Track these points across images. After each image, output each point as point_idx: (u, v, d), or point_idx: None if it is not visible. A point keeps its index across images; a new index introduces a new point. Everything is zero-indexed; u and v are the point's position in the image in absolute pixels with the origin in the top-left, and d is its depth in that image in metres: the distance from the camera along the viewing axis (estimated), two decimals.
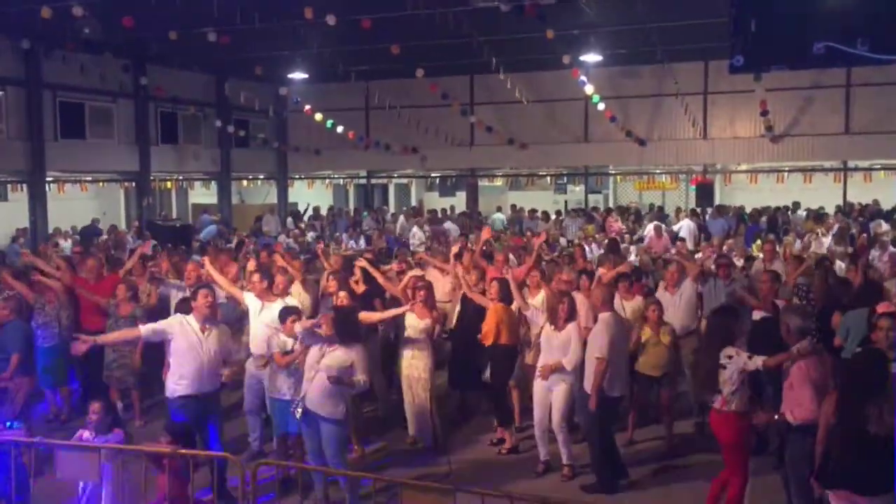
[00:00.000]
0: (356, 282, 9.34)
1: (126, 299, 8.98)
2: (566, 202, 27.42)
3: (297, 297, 9.02)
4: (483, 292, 8.90)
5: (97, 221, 21.75)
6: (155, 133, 23.06)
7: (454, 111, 22.65)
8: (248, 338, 8.03)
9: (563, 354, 7.37)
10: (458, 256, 9.91)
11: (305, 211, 25.38)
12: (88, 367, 9.10)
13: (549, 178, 27.70)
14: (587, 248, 15.75)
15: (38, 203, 19.79)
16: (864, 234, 16.38)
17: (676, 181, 25.81)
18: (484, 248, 11.38)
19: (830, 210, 21.12)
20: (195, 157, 24.33)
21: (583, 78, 19.81)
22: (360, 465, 7.61)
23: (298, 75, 22.71)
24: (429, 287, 8.52)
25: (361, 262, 9.55)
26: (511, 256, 11.50)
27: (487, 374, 8.40)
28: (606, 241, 16.73)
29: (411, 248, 17.57)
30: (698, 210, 21.41)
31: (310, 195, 28.88)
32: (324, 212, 25.93)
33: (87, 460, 5.67)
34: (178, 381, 6.82)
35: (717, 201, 22.95)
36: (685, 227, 18.47)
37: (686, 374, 8.67)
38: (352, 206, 29.95)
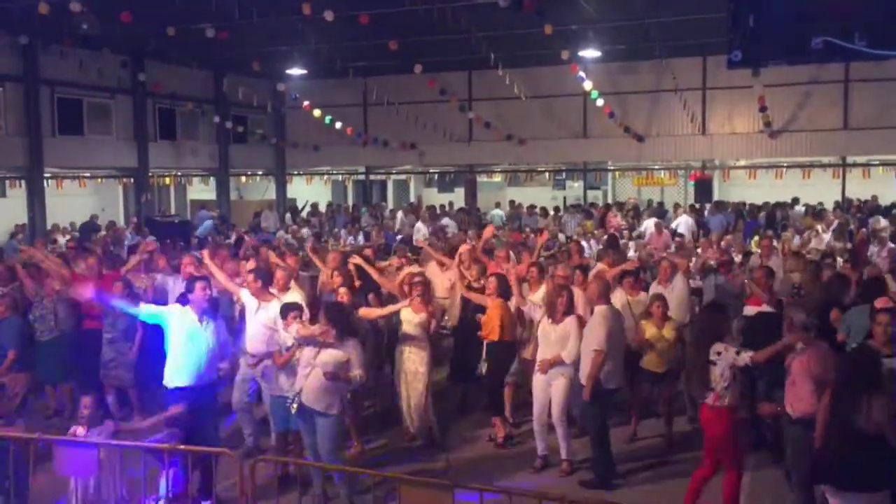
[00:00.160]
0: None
1: (123, 297, 8.94)
2: (565, 198, 27.42)
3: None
4: (484, 289, 8.92)
5: (96, 218, 21.73)
6: (153, 129, 23.04)
7: (452, 107, 22.62)
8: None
9: (561, 348, 7.38)
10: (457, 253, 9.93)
11: (304, 207, 25.32)
12: (85, 363, 9.08)
13: (547, 175, 27.66)
14: (586, 244, 15.77)
15: (36, 199, 19.79)
16: (864, 230, 16.38)
17: (675, 177, 25.82)
18: (485, 245, 11.39)
19: (829, 206, 21.12)
20: (193, 153, 24.31)
21: (581, 74, 19.79)
22: (359, 461, 7.62)
23: (297, 71, 22.69)
24: (425, 283, 8.52)
25: (356, 259, 9.56)
26: (510, 253, 11.50)
27: (483, 368, 8.41)
28: (605, 237, 16.75)
29: (415, 243, 17.55)
30: (697, 206, 21.41)
31: (308, 191, 28.85)
32: (322, 208, 25.90)
33: (85, 456, 5.67)
34: (176, 372, 6.80)
35: (715, 197, 22.95)
36: (683, 222, 18.47)
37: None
38: (350, 202, 29.92)
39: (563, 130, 23.89)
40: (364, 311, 8.18)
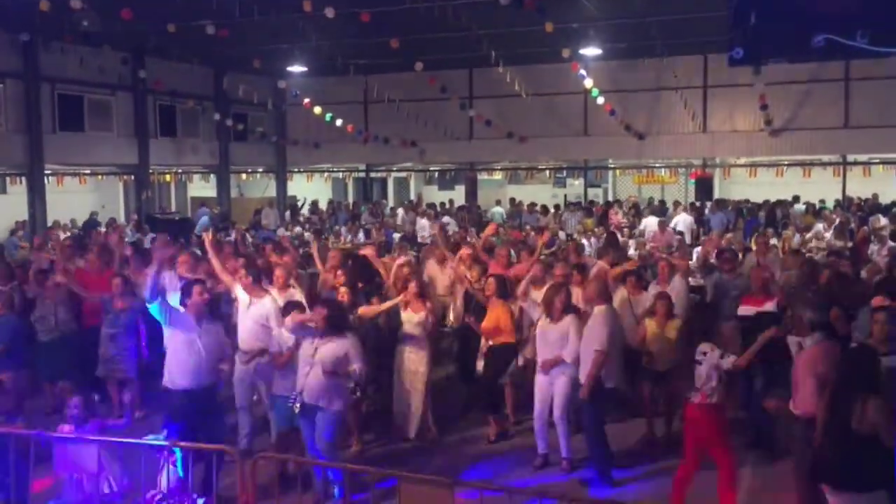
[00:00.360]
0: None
1: (121, 294, 8.95)
2: (565, 196, 27.42)
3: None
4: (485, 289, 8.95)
5: (95, 215, 21.74)
6: (154, 126, 23.03)
7: (453, 105, 22.61)
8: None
9: (560, 347, 7.37)
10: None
11: (303, 205, 25.34)
12: (84, 361, 9.07)
13: (548, 172, 27.68)
14: (586, 242, 15.77)
15: (36, 196, 19.79)
16: (864, 228, 16.39)
17: (676, 175, 25.81)
18: (485, 243, 11.38)
19: (830, 204, 21.12)
20: (194, 151, 24.32)
21: (582, 71, 19.78)
22: (359, 459, 7.61)
23: (297, 68, 22.68)
24: (417, 274, 8.50)
25: (368, 251, 9.51)
26: (511, 251, 11.49)
27: (480, 366, 8.41)
28: (605, 234, 16.76)
29: (419, 240, 17.55)
30: (697, 204, 21.41)
31: (309, 189, 28.85)
32: (322, 205, 25.92)
33: (85, 453, 5.67)
34: (175, 375, 6.77)
35: (716, 195, 22.95)
36: (681, 221, 18.46)
37: None
38: (351, 199, 29.92)
39: (564, 128, 23.88)
40: (363, 310, 8.18)
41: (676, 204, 22.14)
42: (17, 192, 21.08)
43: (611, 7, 16.58)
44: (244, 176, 28.18)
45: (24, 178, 20.31)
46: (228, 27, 16.07)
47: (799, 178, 23.01)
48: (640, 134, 22.69)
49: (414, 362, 8.16)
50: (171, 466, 6.17)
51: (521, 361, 8.44)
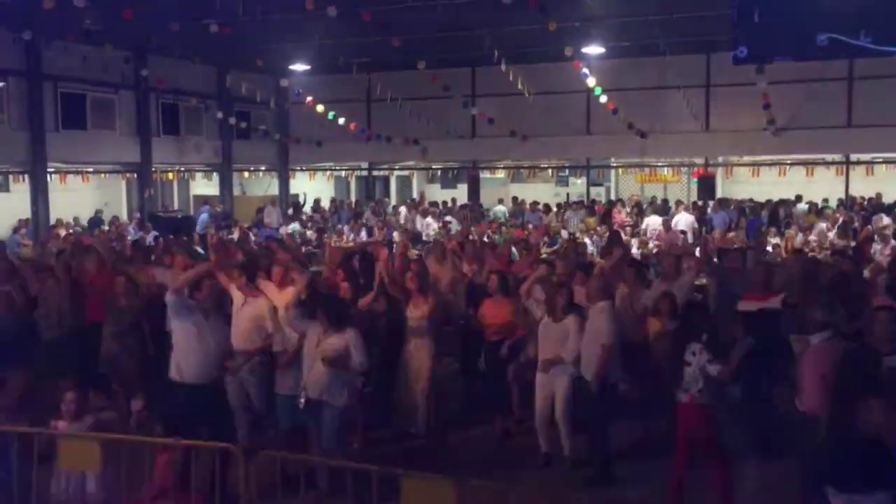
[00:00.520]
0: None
1: (124, 292, 8.96)
2: (568, 195, 27.36)
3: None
4: (484, 284, 8.94)
5: (100, 213, 21.78)
6: (156, 124, 23.04)
7: (456, 103, 22.60)
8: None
9: (561, 346, 7.37)
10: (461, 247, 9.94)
11: (304, 202, 25.34)
12: (87, 359, 9.08)
13: (550, 171, 27.65)
14: (588, 240, 15.78)
15: (39, 194, 19.82)
16: (868, 227, 16.37)
17: (678, 174, 25.77)
18: (486, 239, 11.41)
19: (833, 203, 21.09)
20: (197, 149, 24.33)
21: (585, 70, 19.77)
22: (362, 455, 7.61)
23: (300, 67, 22.68)
24: (420, 273, 8.51)
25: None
26: (513, 249, 11.52)
27: (482, 364, 8.42)
28: (607, 233, 16.75)
29: (424, 237, 17.57)
30: (700, 203, 21.39)
31: (311, 187, 28.85)
32: (325, 204, 25.92)
33: (88, 450, 5.68)
34: (184, 368, 6.74)
35: (718, 194, 22.91)
36: (682, 220, 18.45)
37: None
38: (353, 197, 29.91)
39: (567, 127, 23.85)
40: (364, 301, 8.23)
41: (678, 203, 22.13)
42: (20, 190, 21.10)
43: (613, 5, 16.57)
44: (247, 174, 28.19)
45: (26, 177, 20.34)
46: (231, 25, 16.08)
47: (802, 177, 22.97)
48: (643, 133, 22.67)
49: (418, 359, 8.17)
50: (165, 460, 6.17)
51: (522, 359, 8.44)
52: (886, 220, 17.71)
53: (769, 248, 13.87)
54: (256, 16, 15.25)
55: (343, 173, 30.02)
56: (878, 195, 21.22)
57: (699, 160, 23.95)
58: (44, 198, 19.83)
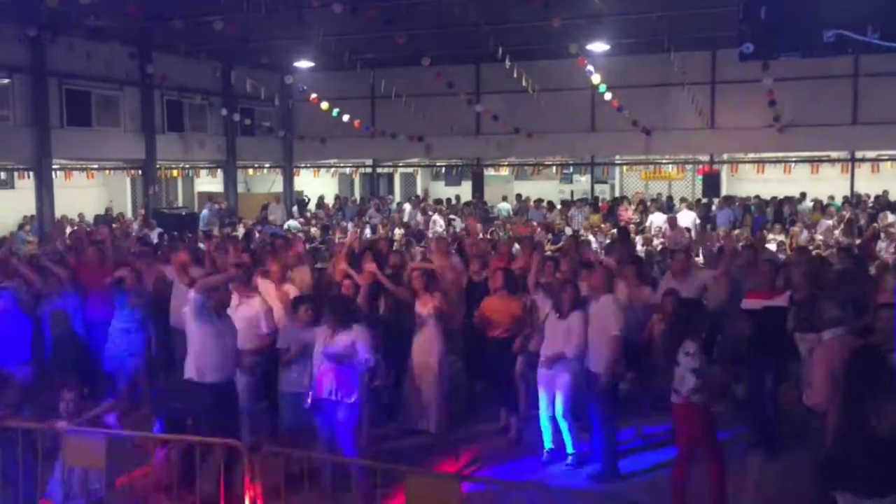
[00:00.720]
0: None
1: (133, 289, 8.97)
2: (572, 192, 27.35)
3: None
4: (484, 280, 8.94)
5: (110, 210, 21.84)
6: (161, 121, 23.06)
7: (460, 100, 22.58)
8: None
9: (566, 342, 7.37)
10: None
11: (308, 201, 25.38)
12: (90, 356, 9.11)
13: (554, 168, 27.62)
14: (592, 238, 15.77)
15: (44, 190, 19.84)
16: (874, 225, 16.34)
17: (683, 171, 25.72)
18: (489, 237, 11.41)
19: (838, 201, 21.02)
20: (201, 146, 24.34)
21: (589, 67, 19.73)
22: (367, 453, 7.62)
23: (304, 64, 22.68)
24: (426, 272, 8.51)
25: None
26: (516, 246, 11.51)
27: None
28: (612, 231, 16.75)
29: (430, 234, 17.57)
30: (704, 201, 21.35)
31: (315, 184, 28.88)
32: (329, 201, 25.94)
33: (93, 446, 5.69)
34: (204, 369, 6.70)
35: (723, 191, 22.87)
36: (685, 217, 18.41)
37: None
38: (357, 195, 29.94)
39: (571, 124, 23.80)
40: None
41: (683, 200, 22.11)
42: (25, 186, 21.15)
43: (618, 2, 16.52)
44: (251, 171, 28.22)
45: (31, 173, 20.37)
46: (236, 22, 16.08)
47: (807, 174, 22.90)
48: (648, 130, 22.63)
49: (425, 356, 8.17)
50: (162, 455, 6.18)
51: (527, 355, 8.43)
52: (892, 217, 17.68)
53: (773, 246, 13.85)
54: (261, 12, 15.23)
55: (347, 170, 30.02)
56: (885, 192, 21.16)
57: (704, 157, 23.88)
58: (49, 194, 19.86)
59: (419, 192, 29.61)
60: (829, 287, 8.55)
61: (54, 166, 20.59)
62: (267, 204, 23.57)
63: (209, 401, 6.63)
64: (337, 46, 19.48)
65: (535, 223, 18.68)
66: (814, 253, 12.41)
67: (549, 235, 16.91)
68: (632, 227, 18.45)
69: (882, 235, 14.36)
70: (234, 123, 24.37)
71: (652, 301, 8.40)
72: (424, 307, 8.20)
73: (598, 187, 26.64)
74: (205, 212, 21.86)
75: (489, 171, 26.75)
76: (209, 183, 27.77)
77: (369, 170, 29.12)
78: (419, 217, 21.13)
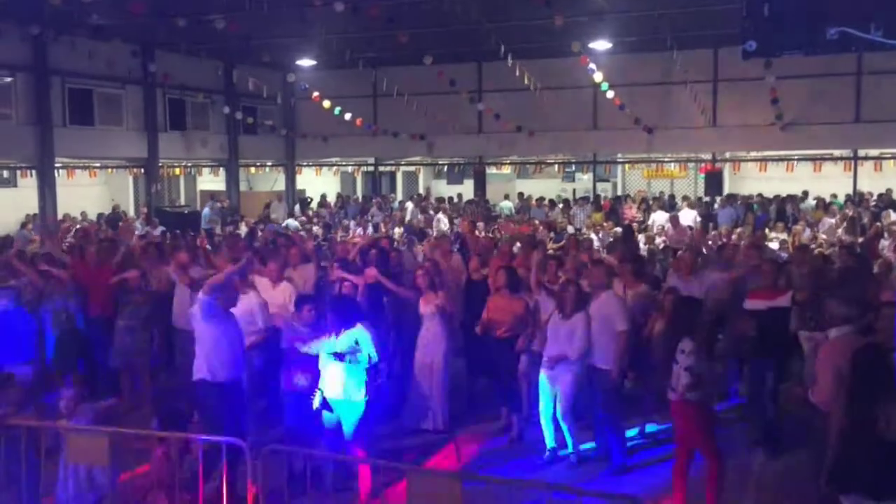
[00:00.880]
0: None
1: (139, 287, 8.99)
2: (574, 190, 27.35)
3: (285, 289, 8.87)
4: (484, 279, 8.93)
5: (118, 208, 21.87)
6: (163, 119, 23.08)
7: (462, 98, 22.57)
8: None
9: (568, 342, 7.36)
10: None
11: (311, 200, 25.38)
12: (93, 354, 9.11)
13: (557, 166, 27.60)
14: (594, 236, 15.75)
15: (47, 189, 19.86)
16: (878, 224, 16.32)
17: (685, 169, 25.70)
18: (491, 235, 11.40)
19: (841, 199, 21.00)
20: (203, 144, 24.35)
21: (591, 65, 19.71)
22: (369, 451, 7.62)
23: (306, 62, 22.68)
24: (429, 269, 8.50)
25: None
26: (518, 245, 11.49)
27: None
28: (614, 229, 16.74)
29: (435, 232, 17.58)
30: (706, 199, 21.31)
31: (318, 182, 28.88)
32: (331, 199, 25.94)
33: (97, 444, 5.69)
34: (218, 367, 6.68)
35: (725, 190, 22.84)
36: (685, 216, 18.39)
37: None
38: (360, 193, 29.94)
39: (573, 122, 23.78)
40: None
41: (685, 199, 22.10)
42: (28, 185, 21.18)
43: (620, 0, 16.50)
44: (253, 169, 28.22)
45: (34, 172, 20.40)
46: (238, 21, 16.09)
47: (809, 172, 22.87)
48: (650, 128, 22.61)
49: (429, 354, 8.17)
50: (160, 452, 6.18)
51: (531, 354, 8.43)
52: (894, 215, 17.66)
53: (775, 245, 13.83)
54: (263, 11, 15.24)
55: (349, 169, 30.03)
56: (888, 191, 21.13)
57: (706, 155, 23.86)
58: (51, 193, 19.88)
59: (421, 190, 29.61)
60: (832, 286, 8.56)
61: (57, 165, 20.60)
62: (269, 202, 23.58)
63: (220, 399, 6.63)
64: (339, 45, 19.46)
65: (537, 222, 18.69)
66: (816, 252, 12.41)
67: (552, 234, 16.91)
68: (635, 225, 18.44)
69: (885, 234, 14.34)
70: (236, 122, 24.38)
71: (648, 299, 8.37)
72: (428, 305, 8.19)
73: (600, 185, 26.62)
74: (206, 210, 21.88)
75: (491, 170, 26.74)
76: (211, 181, 27.78)
77: (371, 168, 29.12)
78: (419, 216, 21.13)
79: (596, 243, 14.34)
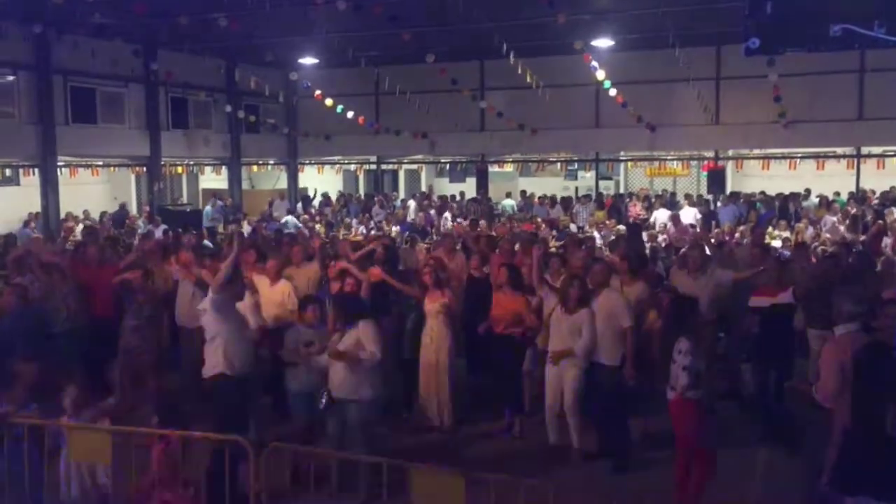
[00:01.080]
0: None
1: (143, 286, 8.98)
2: (577, 188, 27.32)
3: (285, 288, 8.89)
4: (486, 276, 8.92)
5: (125, 206, 21.90)
6: (165, 118, 23.09)
7: (464, 97, 22.56)
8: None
9: (572, 338, 7.35)
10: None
11: (314, 196, 25.36)
12: (96, 353, 9.12)
13: (559, 164, 27.58)
14: (597, 234, 15.74)
15: (49, 187, 19.88)
16: (880, 222, 16.27)
17: (688, 167, 25.67)
18: (494, 233, 11.40)
19: (844, 197, 20.95)
20: (206, 143, 24.36)
21: (594, 63, 19.69)
22: (372, 449, 7.62)
23: (309, 60, 22.66)
24: (434, 267, 8.50)
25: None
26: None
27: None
28: (617, 227, 16.72)
29: (442, 230, 17.56)
30: (708, 197, 21.27)
31: (320, 181, 28.87)
32: (333, 197, 25.92)
33: (99, 442, 5.70)
34: (234, 361, 6.71)
35: (728, 187, 22.81)
36: (687, 214, 18.36)
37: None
38: (362, 191, 29.93)
39: (576, 120, 23.77)
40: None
41: (686, 197, 22.07)
42: (31, 183, 21.19)
43: None
44: (255, 168, 28.22)
45: (36, 170, 20.42)
46: (240, 19, 16.08)
47: (812, 170, 22.82)
48: (652, 126, 22.58)
49: (434, 352, 8.17)
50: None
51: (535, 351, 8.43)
52: None
53: (778, 243, 13.82)
54: (265, 9, 15.24)
55: (352, 167, 30.02)
56: (891, 189, 21.08)
57: (709, 153, 23.83)
58: (54, 191, 19.90)
59: (423, 188, 29.60)
60: (835, 283, 8.54)
61: (59, 163, 20.63)
62: (272, 200, 23.59)
63: (239, 393, 6.65)
64: (341, 43, 19.45)
65: (539, 219, 18.68)
66: (819, 249, 12.40)
67: (554, 232, 16.90)
68: (638, 222, 18.42)
69: (888, 232, 14.31)
70: (238, 120, 24.40)
71: (643, 297, 8.35)
72: (433, 302, 8.18)
73: (602, 183, 26.58)
74: (208, 208, 21.88)
75: (493, 168, 26.72)
76: (214, 180, 27.79)
77: (373, 166, 29.12)
78: (420, 214, 21.12)
79: (598, 241, 14.33)
